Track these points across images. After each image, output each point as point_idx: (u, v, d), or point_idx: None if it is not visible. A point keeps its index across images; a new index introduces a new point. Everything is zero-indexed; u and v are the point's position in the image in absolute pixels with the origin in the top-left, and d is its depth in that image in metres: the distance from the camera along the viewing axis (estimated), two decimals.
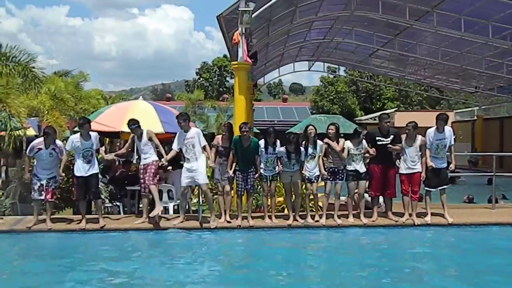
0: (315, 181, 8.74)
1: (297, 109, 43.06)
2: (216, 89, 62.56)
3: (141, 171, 8.67)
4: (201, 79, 64.85)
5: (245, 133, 8.54)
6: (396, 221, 8.76)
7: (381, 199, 9.24)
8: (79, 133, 8.50)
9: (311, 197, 8.93)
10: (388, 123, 9.03)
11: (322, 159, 8.71)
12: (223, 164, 8.72)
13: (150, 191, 8.56)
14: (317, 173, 8.70)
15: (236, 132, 8.89)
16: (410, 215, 8.80)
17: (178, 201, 8.96)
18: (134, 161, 9.92)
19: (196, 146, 8.46)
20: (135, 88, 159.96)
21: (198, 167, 8.41)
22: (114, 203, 10.23)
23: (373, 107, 45.55)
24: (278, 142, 8.67)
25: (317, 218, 8.76)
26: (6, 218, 9.05)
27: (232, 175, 8.65)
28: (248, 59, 11.62)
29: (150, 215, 8.44)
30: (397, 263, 7.04)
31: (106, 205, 10.46)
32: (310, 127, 8.86)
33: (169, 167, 9.96)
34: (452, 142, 8.86)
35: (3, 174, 14.39)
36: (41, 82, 11.77)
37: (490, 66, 21.99)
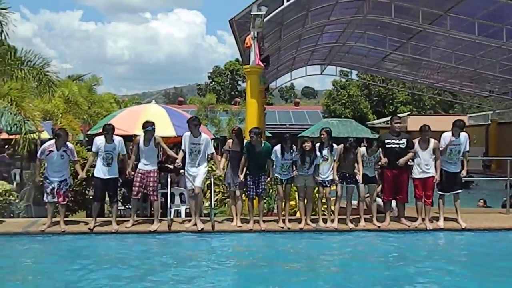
0: (328, 185, 8.72)
1: (309, 113, 43.01)
2: (228, 93, 62.77)
3: (140, 175, 8.63)
4: (213, 83, 65.11)
5: (253, 139, 8.54)
6: (408, 226, 8.70)
7: (393, 203, 9.19)
8: (103, 136, 8.58)
9: (324, 200, 8.90)
10: (398, 124, 8.95)
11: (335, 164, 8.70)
12: (235, 169, 8.72)
13: (152, 205, 8.84)
14: (330, 177, 8.67)
15: (247, 137, 8.91)
16: (423, 219, 8.74)
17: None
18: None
19: (201, 153, 8.51)
20: (147, 92, 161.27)
21: (198, 173, 8.50)
22: (127, 206, 10.29)
23: (385, 111, 45.26)
24: (294, 147, 8.68)
25: (329, 222, 8.74)
26: (20, 221, 9.15)
27: (243, 180, 8.66)
28: (260, 63, 11.64)
29: (149, 229, 8.46)
30: (408, 267, 7.00)
31: (118, 207, 10.54)
32: (324, 130, 8.85)
33: (181, 170, 9.99)
34: (467, 149, 8.79)
35: (17, 177, 14.53)
36: (55, 86, 11.88)
37: (504, 70, 21.75)
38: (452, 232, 8.62)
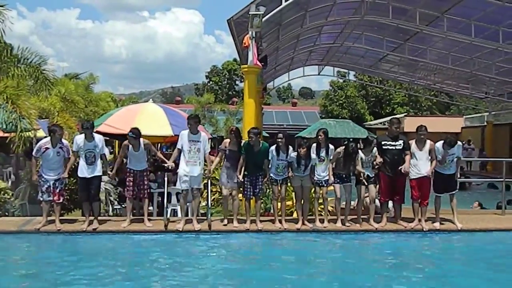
0: (325, 185, 8.71)
1: (306, 113, 43.07)
2: (225, 93, 62.76)
3: (132, 175, 8.64)
4: (211, 82, 65.11)
5: (252, 139, 8.52)
6: (405, 227, 8.72)
7: (390, 204, 9.21)
8: (83, 134, 8.50)
9: (320, 201, 8.90)
10: (397, 128, 8.97)
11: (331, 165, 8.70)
12: (230, 168, 8.69)
13: (141, 202, 8.85)
14: (327, 177, 8.67)
15: (245, 137, 8.89)
16: (419, 220, 8.75)
17: (188, 203, 8.97)
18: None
19: (201, 151, 8.47)
20: (144, 91, 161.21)
21: (198, 173, 8.46)
22: (123, 205, 10.26)
23: (382, 112, 45.34)
24: (290, 148, 8.66)
25: (325, 222, 8.73)
26: (15, 219, 9.11)
27: (242, 180, 8.64)
28: (258, 63, 11.65)
29: (147, 225, 8.49)
30: (403, 268, 7.01)
31: (115, 207, 10.53)
32: (322, 131, 8.85)
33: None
34: (460, 155, 8.85)
35: (12, 175, 14.48)
36: (51, 84, 11.85)
37: (500, 71, 21.82)
38: (447, 233, 8.63)
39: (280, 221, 8.70)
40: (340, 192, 8.72)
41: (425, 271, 6.88)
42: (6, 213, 9.56)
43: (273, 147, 8.63)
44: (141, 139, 8.59)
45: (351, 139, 9.07)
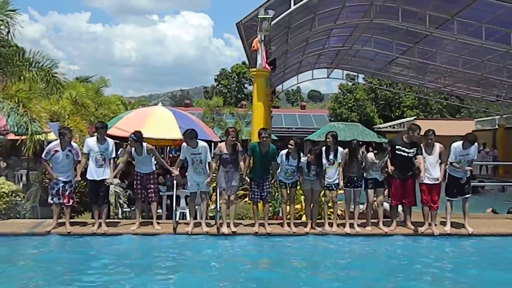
0: (334, 189, 8.69)
1: (315, 116, 42.98)
2: (234, 96, 62.76)
3: (139, 178, 8.72)
4: (220, 85, 65.15)
5: (264, 139, 8.51)
6: (415, 231, 8.67)
7: (399, 208, 9.16)
8: (95, 136, 8.57)
9: (330, 204, 8.87)
10: (418, 134, 8.75)
11: (342, 168, 8.68)
12: (229, 172, 8.57)
13: (150, 206, 8.90)
14: (337, 181, 8.64)
15: (254, 138, 8.88)
16: (430, 224, 8.70)
17: (197, 206, 8.99)
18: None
19: (203, 161, 8.53)
20: (154, 94, 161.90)
21: (204, 181, 8.56)
22: (132, 208, 10.30)
23: (392, 115, 45.18)
24: (302, 156, 8.64)
25: (334, 226, 8.71)
26: (26, 221, 9.18)
27: (249, 181, 8.63)
28: (267, 66, 11.66)
29: (156, 228, 8.55)
30: (413, 273, 6.94)
31: (124, 209, 10.56)
32: (330, 134, 8.83)
33: (186, 173, 10.00)
34: (475, 157, 8.77)
35: (24, 178, 14.59)
36: (62, 87, 11.92)
37: None
38: (458, 238, 8.57)
39: (288, 225, 8.69)
40: (348, 196, 8.69)
41: (435, 275, 6.82)
42: (18, 215, 9.63)
43: (283, 152, 8.62)
44: (144, 144, 8.63)
45: (356, 140, 8.99)
